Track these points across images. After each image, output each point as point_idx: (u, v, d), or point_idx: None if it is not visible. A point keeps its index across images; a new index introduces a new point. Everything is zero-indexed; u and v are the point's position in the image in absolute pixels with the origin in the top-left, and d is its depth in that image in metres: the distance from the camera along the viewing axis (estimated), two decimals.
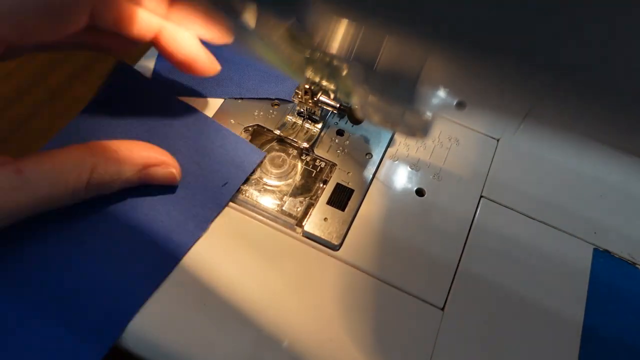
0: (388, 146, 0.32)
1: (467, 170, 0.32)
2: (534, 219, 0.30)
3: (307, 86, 0.29)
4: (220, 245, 0.27)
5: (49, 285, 0.25)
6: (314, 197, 0.30)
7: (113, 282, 0.25)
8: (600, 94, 0.16)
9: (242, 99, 0.33)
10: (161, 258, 0.26)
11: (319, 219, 0.29)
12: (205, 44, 0.28)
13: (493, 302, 0.27)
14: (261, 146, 0.31)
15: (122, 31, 0.25)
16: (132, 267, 0.26)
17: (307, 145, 0.31)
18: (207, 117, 0.32)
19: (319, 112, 0.31)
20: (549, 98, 0.18)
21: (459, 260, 0.28)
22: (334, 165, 0.31)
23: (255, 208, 0.29)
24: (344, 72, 0.26)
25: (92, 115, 0.31)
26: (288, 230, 0.28)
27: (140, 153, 0.26)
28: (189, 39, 0.27)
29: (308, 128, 0.32)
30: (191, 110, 0.32)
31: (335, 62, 0.25)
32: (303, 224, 0.28)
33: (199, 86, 0.33)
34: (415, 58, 0.21)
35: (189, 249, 0.27)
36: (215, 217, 0.28)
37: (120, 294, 0.25)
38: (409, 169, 0.32)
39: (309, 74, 0.28)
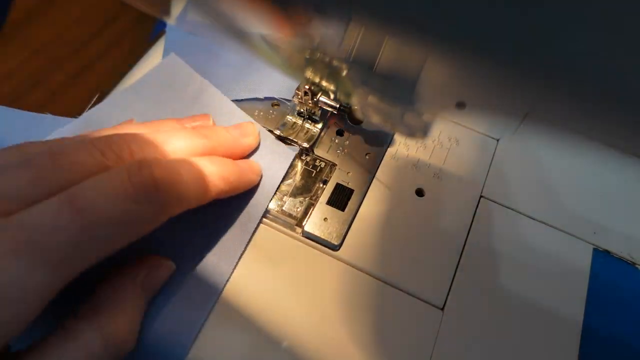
0: (388, 146, 0.32)
1: (467, 170, 0.32)
2: (534, 219, 0.30)
3: (307, 87, 0.29)
4: None
5: None
6: (314, 197, 0.30)
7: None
8: (601, 94, 0.16)
9: (242, 100, 0.33)
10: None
11: (319, 219, 0.29)
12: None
13: (493, 302, 0.27)
14: None
15: None
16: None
17: (307, 145, 0.31)
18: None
19: (319, 112, 0.31)
20: (549, 98, 0.18)
21: (459, 260, 0.28)
22: (334, 165, 0.31)
23: None
24: (344, 73, 0.26)
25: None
26: (288, 231, 0.28)
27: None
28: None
29: (308, 128, 0.32)
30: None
31: (335, 63, 0.25)
32: (303, 224, 0.28)
33: None
34: (415, 58, 0.21)
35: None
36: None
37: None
38: (409, 169, 0.32)
39: (309, 74, 0.28)
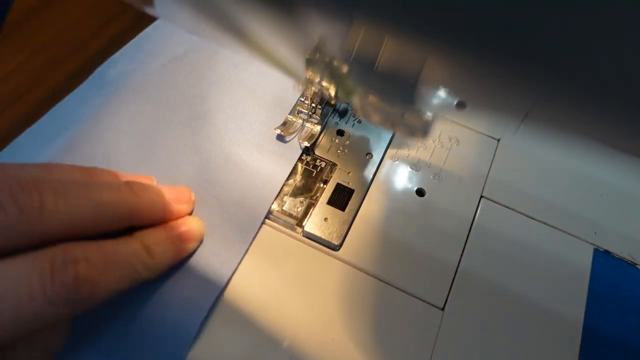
0: (388, 146, 0.32)
1: (467, 170, 0.32)
2: (534, 219, 0.30)
3: (313, 89, 0.29)
4: None
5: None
6: (314, 197, 0.30)
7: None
8: (601, 94, 0.16)
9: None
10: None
11: (319, 219, 0.29)
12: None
13: (493, 302, 0.27)
14: None
15: None
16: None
17: (308, 145, 0.31)
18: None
19: (320, 112, 0.31)
20: (549, 98, 0.18)
21: (459, 260, 0.28)
22: (334, 165, 0.31)
23: None
24: (344, 72, 0.26)
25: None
26: (288, 230, 0.28)
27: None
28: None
29: (308, 128, 0.32)
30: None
31: (335, 62, 0.25)
32: (303, 224, 0.28)
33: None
34: (415, 58, 0.21)
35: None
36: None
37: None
38: (409, 169, 0.32)
39: (309, 74, 0.28)
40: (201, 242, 0.27)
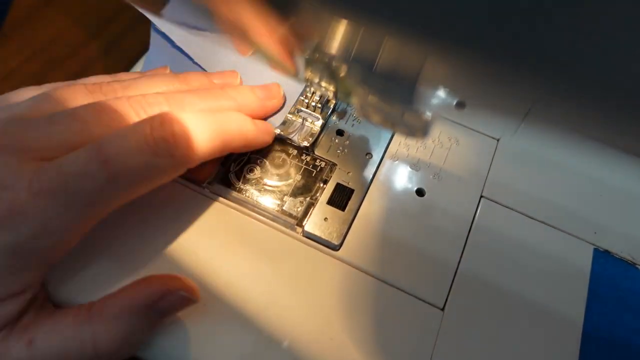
0: (388, 146, 0.32)
1: (467, 170, 0.32)
2: (534, 219, 0.30)
3: (312, 89, 0.29)
4: (220, 245, 0.27)
5: None
6: (314, 197, 0.30)
7: None
8: (601, 94, 0.16)
9: None
10: None
11: (319, 219, 0.29)
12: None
13: (493, 302, 0.27)
14: None
15: None
16: None
17: (307, 145, 0.31)
18: None
19: (320, 111, 0.31)
20: (549, 98, 0.18)
21: (459, 260, 0.28)
22: (334, 165, 0.31)
23: (255, 208, 0.29)
24: (344, 73, 0.26)
25: None
26: (288, 230, 0.28)
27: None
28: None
29: (308, 127, 0.32)
30: None
31: (334, 63, 0.25)
32: (303, 224, 0.28)
33: None
34: (415, 58, 0.21)
35: None
36: None
37: None
38: (409, 168, 0.32)
39: (308, 74, 0.28)
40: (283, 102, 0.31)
